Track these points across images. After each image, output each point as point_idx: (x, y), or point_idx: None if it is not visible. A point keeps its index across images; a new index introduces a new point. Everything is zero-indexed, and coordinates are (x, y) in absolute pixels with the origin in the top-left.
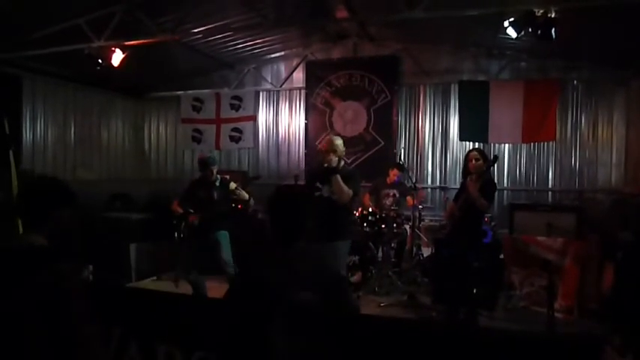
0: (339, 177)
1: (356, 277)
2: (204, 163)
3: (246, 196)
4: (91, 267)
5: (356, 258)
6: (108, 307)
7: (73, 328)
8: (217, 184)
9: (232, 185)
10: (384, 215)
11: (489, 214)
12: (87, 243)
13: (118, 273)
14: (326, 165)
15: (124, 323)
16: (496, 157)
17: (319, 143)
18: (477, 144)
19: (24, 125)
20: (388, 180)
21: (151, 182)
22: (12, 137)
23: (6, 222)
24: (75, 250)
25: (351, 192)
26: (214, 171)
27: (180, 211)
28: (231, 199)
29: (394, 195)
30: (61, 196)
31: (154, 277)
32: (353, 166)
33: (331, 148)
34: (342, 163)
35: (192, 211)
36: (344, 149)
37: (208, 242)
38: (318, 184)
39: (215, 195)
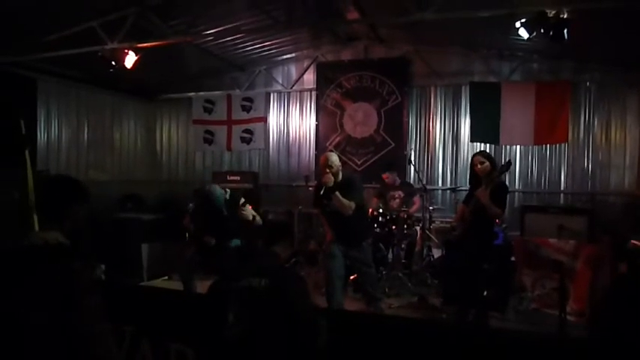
0: (338, 195)
1: None
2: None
3: (250, 215)
4: (103, 267)
5: None
6: (120, 306)
7: (85, 325)
8: (227, 197)
9: (242, 201)
10: (394, 216)
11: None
12: (99, 243)
13: (129, 273)
14: (323, 188)
15: (136, 322)
16: (509, 163)
17: (330, 145)
18: (487, 146)
19: (39, 126)
20: (387, 183)
21: (162, 183)
22: (28, 138)
23: (22, 221)
24: (86, 249)
25: (352, 204)
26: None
27: (193, 228)
28: (238, 213)
29: (399, 196)
30: (77, 192)
31: (166, 277)
32: (363, 167)
33: (326, 166)
34: (340, 175)
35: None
36: (340, 163)
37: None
38: (325, 201)
39: (224, 211)
